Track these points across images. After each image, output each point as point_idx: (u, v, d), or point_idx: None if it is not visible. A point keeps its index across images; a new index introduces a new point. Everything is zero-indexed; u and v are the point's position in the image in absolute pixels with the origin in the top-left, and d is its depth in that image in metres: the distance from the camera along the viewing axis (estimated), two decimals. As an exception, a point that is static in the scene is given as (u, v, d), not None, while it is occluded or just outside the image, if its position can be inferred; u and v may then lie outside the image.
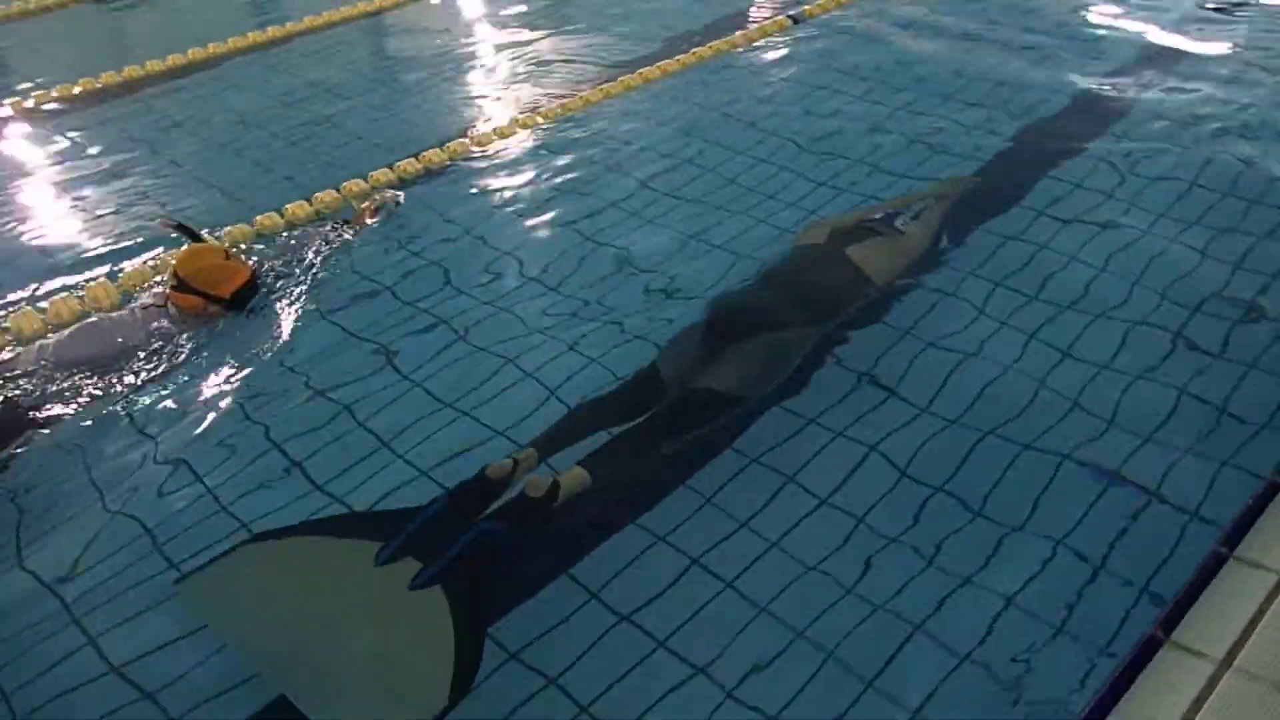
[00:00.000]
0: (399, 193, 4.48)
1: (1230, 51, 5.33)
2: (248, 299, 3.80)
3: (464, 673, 2.21)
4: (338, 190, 4.58)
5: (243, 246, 4.19)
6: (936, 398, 3.06)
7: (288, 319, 3.74)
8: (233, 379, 3.47)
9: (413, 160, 4.83)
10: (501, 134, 5.07)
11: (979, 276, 3.62)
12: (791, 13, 6.20)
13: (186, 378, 3.49)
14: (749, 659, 2.34)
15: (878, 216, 3.77)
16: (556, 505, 2.57)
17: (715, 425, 2.89)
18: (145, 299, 3.83)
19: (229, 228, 4.34)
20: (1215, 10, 5.29)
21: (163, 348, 3.61)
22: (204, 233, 4.08)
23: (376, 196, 4.42)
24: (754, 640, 2.38)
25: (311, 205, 4.50)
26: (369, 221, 4.28)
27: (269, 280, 3.93)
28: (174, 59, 6.39)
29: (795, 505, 2.73)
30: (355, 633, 2.33)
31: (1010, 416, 2.97)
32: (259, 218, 4.41)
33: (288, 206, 4.47)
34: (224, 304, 3.75)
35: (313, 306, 3.81)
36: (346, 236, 4.19)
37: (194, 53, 6.46)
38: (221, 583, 2.48)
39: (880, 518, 2.65)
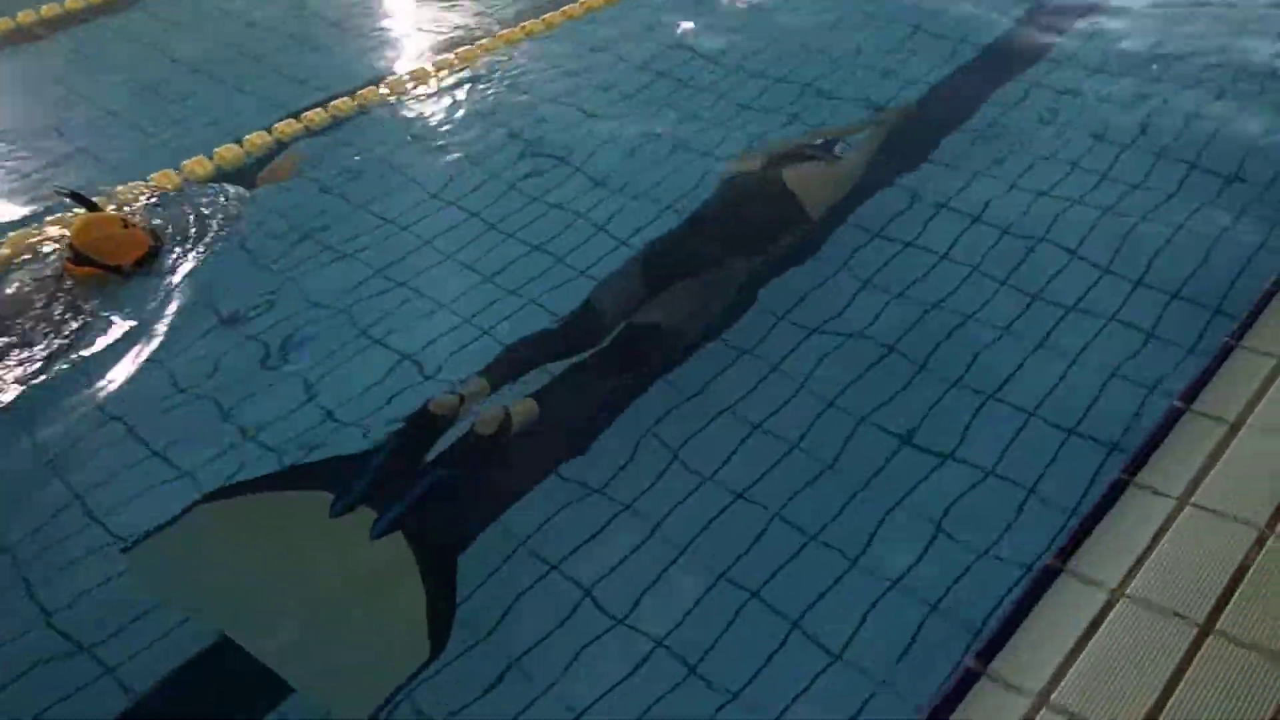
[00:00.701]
0: (303, 154, 4.40)
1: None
2: (149, 264, 3.79)
3: (441, 620, 2.24)
4: (239, 144, 4.51)
5: (139, 206, 4.16)
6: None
7: (192, 277, 3.77)
8: (138, 341, 3.50)
9: (320, 110, 4.79)
10: (416, 78, 5.00)
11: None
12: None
13: (92, 347, 3.50)
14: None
15: (817, 143, 3.86)
16: (507, 440, 2.58)
17: (655, 361, 3.00)
18: (39, 269, 3.80)
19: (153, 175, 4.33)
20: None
21: (61, 318, 3.62)
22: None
23: (289, 155, 4.37)
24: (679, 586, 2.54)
25: (242, 147, 4.52)
26: (281, 180, 4.23)
27: (171, 239, 3.94)
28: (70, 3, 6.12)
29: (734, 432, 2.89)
30: (322, 590, 2.35)
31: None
32: (186, 163, 4.44)
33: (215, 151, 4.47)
34: (124, 274, 3.71)
35: (217, 262, 3.83)
36: (246, 194, 4.15)
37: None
38: (175, 548, 2.47)
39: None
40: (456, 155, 4.33)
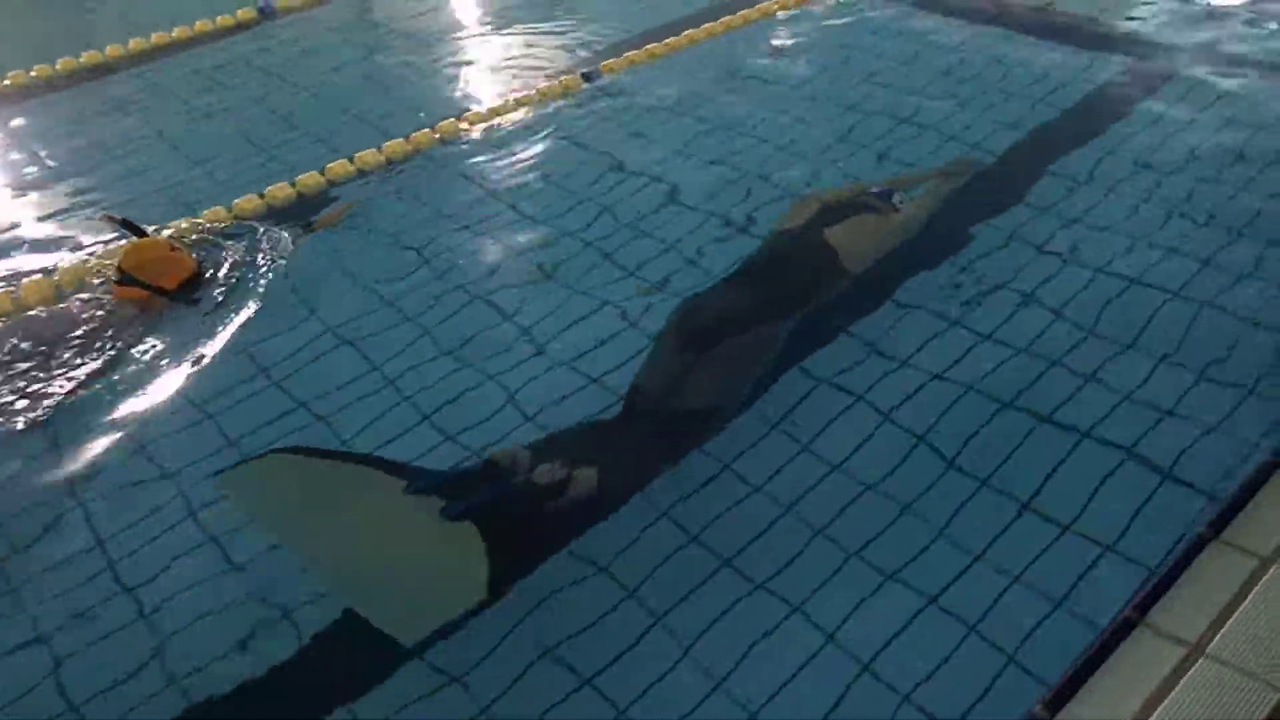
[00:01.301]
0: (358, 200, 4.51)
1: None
2: (193, 290, 3.90)
3: (498, 576, 2.43)
4: (292, 184, 4.67)
5: (192, 238, 4.28)
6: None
7: (238, 309, 3.82)
8: (179, 368, 3.56)
9: (401, 141, 4.92)
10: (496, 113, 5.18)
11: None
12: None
13: (135, 368, 3.59)
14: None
15: (874, 190, 3.88)
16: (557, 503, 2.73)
17: (697, 439, 2.99)
18: (89, 295, 3.95)
19: (206, 211, 4.48)
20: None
21: (108, 338, 3.71)
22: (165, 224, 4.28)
23: (343, 203, 4.49)
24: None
25: (294, 187, 4.65)
26: (334, 224, 4.34)
27: (219, 272, 4.03)
28: (136, 43, 6.50)
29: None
30: (394, 535, 2.57)
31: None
32: (237, 201, 4.54)
33: (268, 189, 4.62)
34: (169, 295, 3.85)
35: (265, 297, 3.89)
36: (300, 236, 4.26)
37: (157, 38, 6.55)
38: (262, 476, 2.74)
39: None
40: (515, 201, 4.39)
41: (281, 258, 4.07)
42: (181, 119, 5.49)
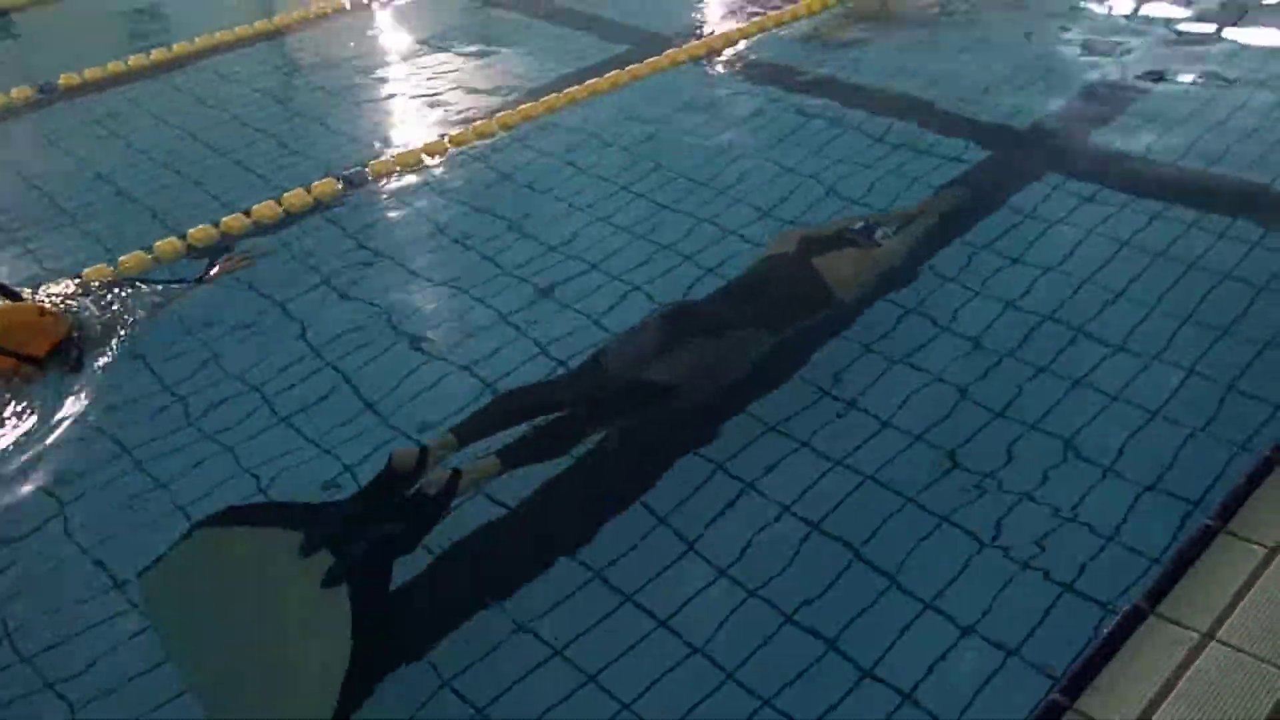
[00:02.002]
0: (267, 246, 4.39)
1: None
2: (65, 355, 3.71)
3: (354, 685, 2.37)
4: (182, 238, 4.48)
5: (66, 297, 4.07)
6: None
7: (112, 372, 3.69)
8: (48, 438, 3.40)
9: (302, 191, 4.77)
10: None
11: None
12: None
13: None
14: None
15: (857, 226, 3.93)
16: (454, 499, 2.77)
17: (645, 414, 3.10)
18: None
19: (88, 269, 4.27)
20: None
21: None
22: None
23: (246, 249, 4.36)
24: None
25: (184, 241, 4.49)
26: (233, 270, 4.22)
27: (97, 332, 3.86)
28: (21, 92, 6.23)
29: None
30: (268, 629, 2.55)
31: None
32: (122, 259, 4.35)
33: (157, 244, 4.45)
34: (36, 364, 3.66)
35: (142, 356, 3.77)
36: (193, 288, 4.14)
37: (65, 79, 6.27)
38: (174, 574, 2.71)
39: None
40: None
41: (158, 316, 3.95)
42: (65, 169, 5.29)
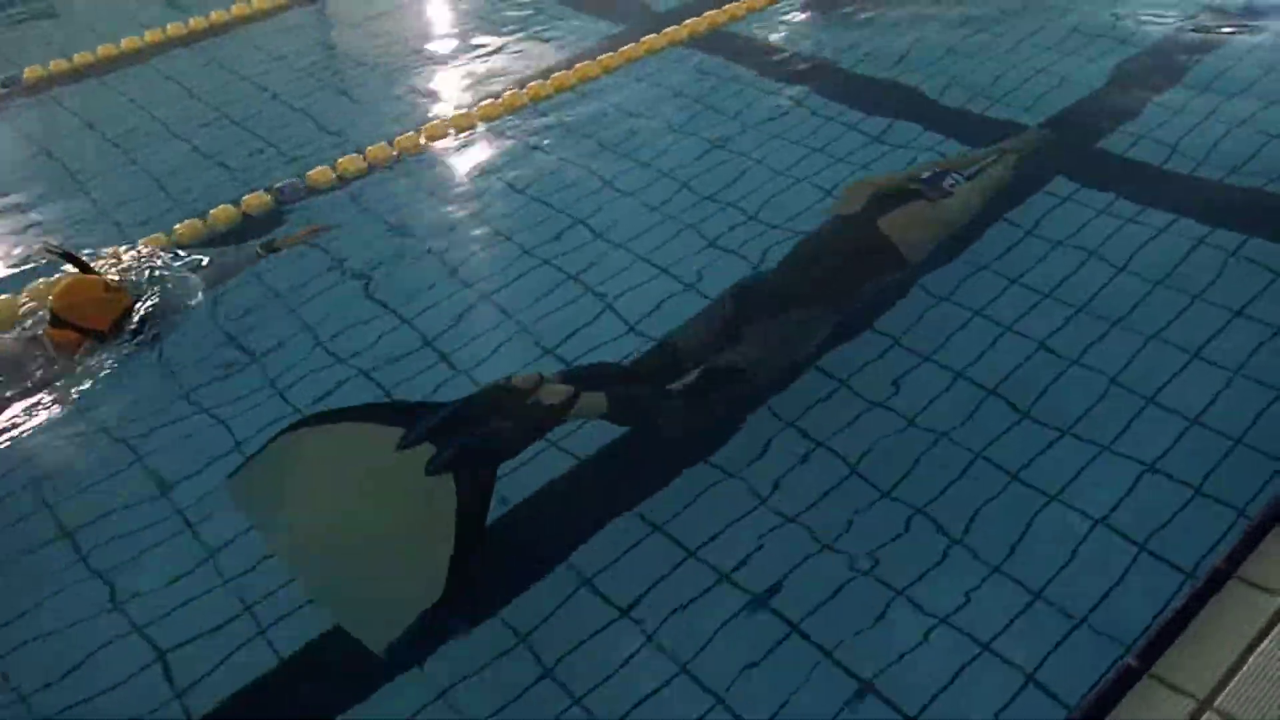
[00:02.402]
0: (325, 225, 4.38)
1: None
2: (124, 328, 3.79)
3: (460, 566, 2.48)
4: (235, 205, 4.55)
5: (127, 268, 4.12)
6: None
7: (175, 348, 3.73)
8: (115, 410, 3.46)
9: (356, 156, 4.80)
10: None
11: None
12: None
13: (68, 410, 3.49)
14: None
15: (925, 176, 3.78)
16: (567, 419, 2.84)
17: (720, 397, 3.09)
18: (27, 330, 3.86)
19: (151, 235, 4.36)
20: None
21: (41, 381, 3.62)
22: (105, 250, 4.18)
23: (308, 226, 4.36)
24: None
25: (238, 208, 4.53)
26: (296, 246, 4.24)
27: (157, 308, 3.89)
28: (82, 57, 6.29)
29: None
30: (374, 519, 2.64)
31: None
32: (177, 226, 4.42)
33: (210, 212, 4.49)
34: (100, 337, 3.75)
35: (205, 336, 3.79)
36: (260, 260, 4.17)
37: (104, 50, 6.34)
38: (263, 474, 2.80)
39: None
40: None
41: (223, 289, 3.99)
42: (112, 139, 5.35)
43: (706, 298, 3.56)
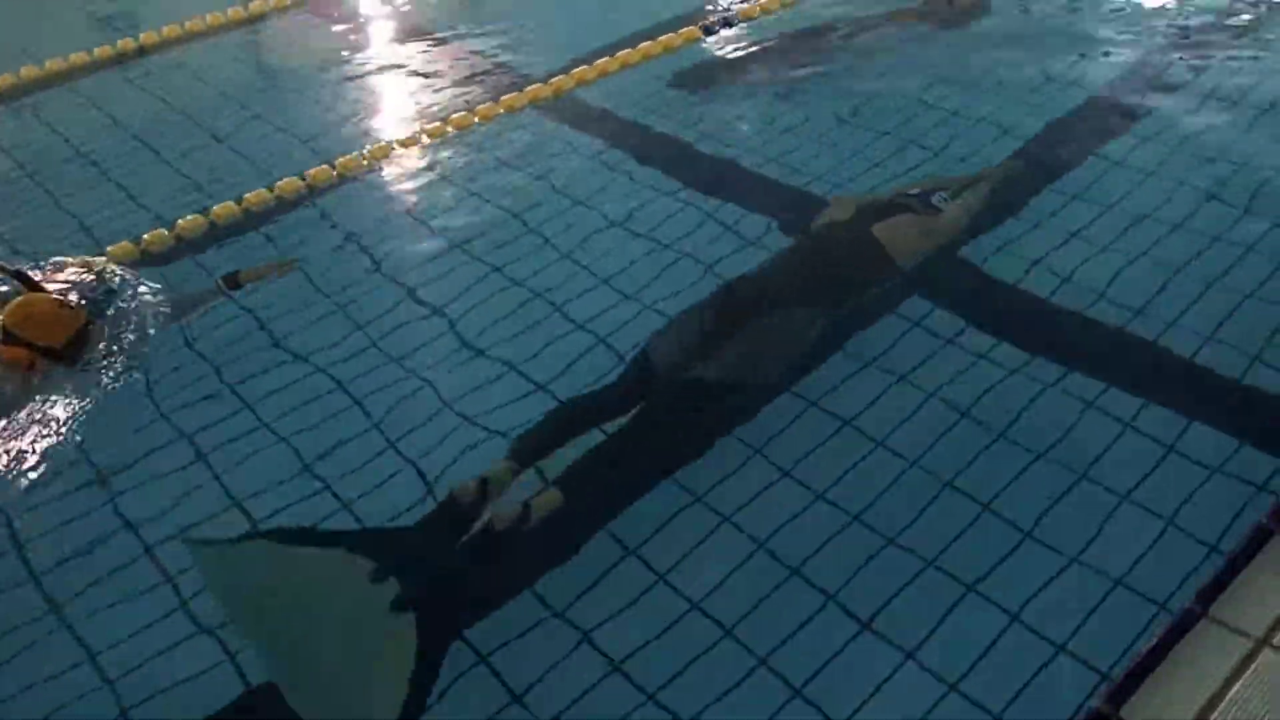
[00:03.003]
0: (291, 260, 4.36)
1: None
2: (80, 349, 3.77)
3: (414, 700, 2.53)
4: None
5: (84, 284, 4.11)
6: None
7: (124, 370, 3.72)
8: (63, 431, 3.45)
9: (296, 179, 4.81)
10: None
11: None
12: (705, 22, 6.15)
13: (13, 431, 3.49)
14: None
15: (914, 193, 4.00)
16: (526, 529, 2.85)
17: (710, 414, 3.14)
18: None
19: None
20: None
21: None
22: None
23: (274, 263, 4.32)
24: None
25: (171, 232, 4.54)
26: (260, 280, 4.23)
27: (111, 330, 3.89)
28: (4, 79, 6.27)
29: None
30: (338, 635, 2.70)
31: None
32: (111, 248, 4.41)
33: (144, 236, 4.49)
34: (54, 355, 3.73)
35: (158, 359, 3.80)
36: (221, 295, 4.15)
37: (26, 71, 6.31)
38: (228, 559, 2.88)
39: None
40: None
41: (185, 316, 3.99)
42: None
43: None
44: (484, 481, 2.92)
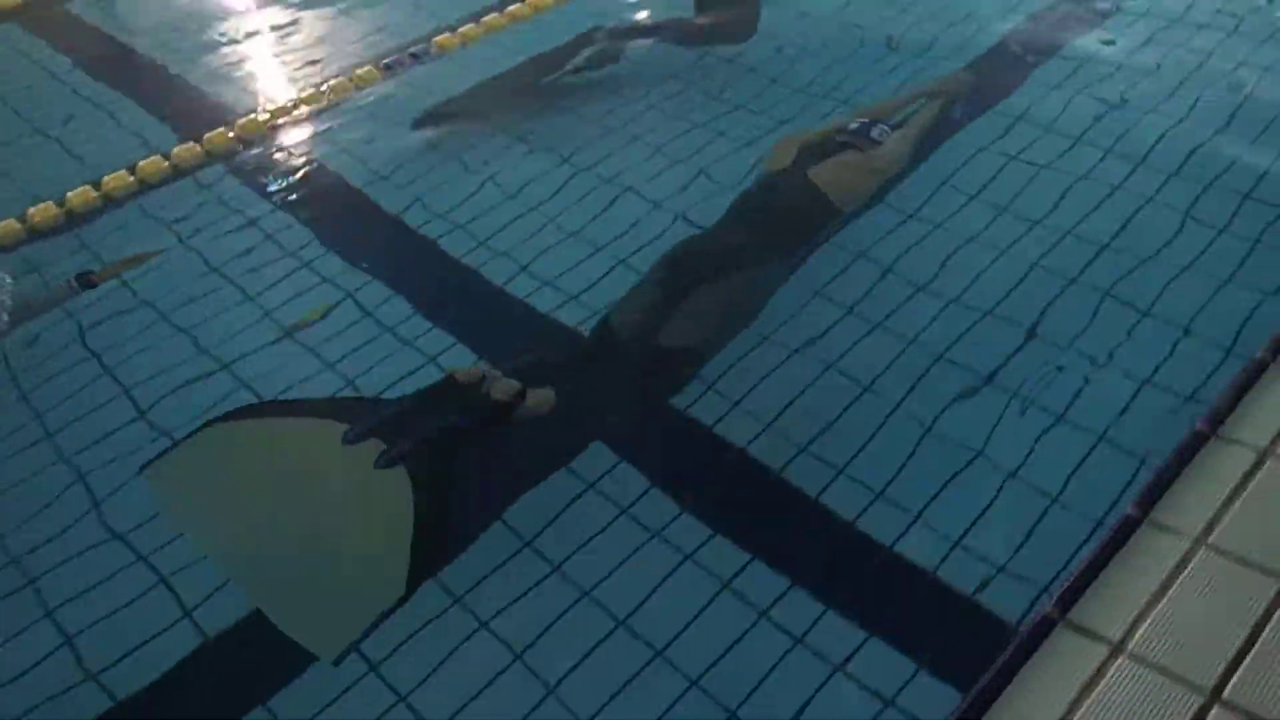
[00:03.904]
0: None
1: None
2: None
3: (425, 560, 2.45)
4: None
5: None
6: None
7: None
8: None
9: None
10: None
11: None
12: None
13: None
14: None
15: (852, 127, 3.89)
16: (515, 416, 2.77)
17: (678, 382, 3.11)
18: None
19: None
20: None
21: None
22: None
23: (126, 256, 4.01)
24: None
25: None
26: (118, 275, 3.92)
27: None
28: None
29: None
30: (318, 518, 2.59)
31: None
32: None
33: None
34: None
35: None
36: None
37: None
38: (187, 466, 2.71)
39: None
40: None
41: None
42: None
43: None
44: (484, 374, 2.78)
